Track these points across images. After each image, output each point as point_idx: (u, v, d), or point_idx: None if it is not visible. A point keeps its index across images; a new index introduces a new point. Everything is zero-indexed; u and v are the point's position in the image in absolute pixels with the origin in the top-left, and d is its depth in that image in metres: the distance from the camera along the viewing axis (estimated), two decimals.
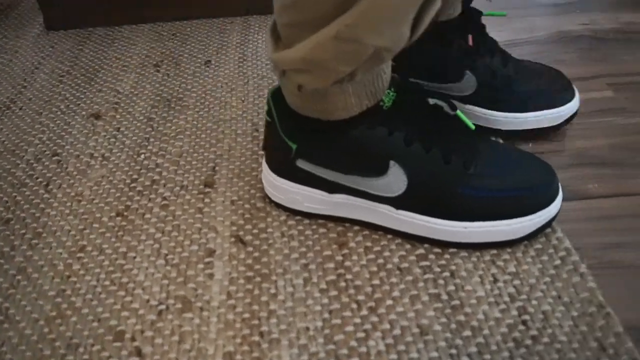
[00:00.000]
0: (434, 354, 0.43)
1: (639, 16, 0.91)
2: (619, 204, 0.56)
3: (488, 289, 0.47)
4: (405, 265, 0.50)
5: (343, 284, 0.49)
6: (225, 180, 0.61)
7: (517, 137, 0.62)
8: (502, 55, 0.61)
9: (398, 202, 0.50)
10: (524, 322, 0.44)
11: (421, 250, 0.51)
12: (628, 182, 0.58)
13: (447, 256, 0.50)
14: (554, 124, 0.62)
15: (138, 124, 0.72)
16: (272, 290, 0.49)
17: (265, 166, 0.56)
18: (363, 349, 0.44)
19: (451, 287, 0.48)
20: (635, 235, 0.52)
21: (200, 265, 0.52)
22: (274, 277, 0.50)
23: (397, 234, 0.52)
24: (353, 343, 0.44)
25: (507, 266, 0.49)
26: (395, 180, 0.49)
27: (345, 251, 0.52)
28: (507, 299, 0.46)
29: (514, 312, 0.45)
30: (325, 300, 0.47)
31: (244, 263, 0.51)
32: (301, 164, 0.51)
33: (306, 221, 0.55)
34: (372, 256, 0.51)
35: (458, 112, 0.51)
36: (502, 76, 0.60)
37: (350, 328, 0.45)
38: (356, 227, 0.54)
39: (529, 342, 0.43)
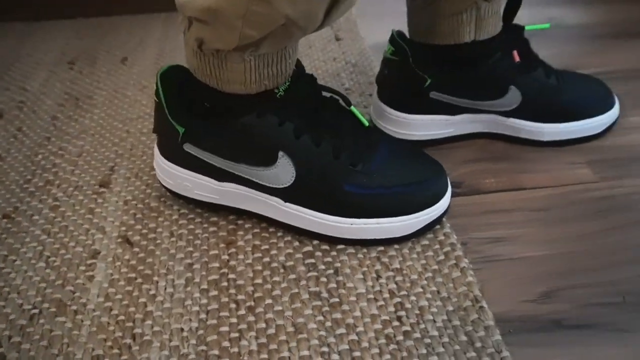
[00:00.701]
0: (305, 353, 0.42)
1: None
2: (512, 198, 0.57)
3: (369, 285, 0.47)
4: (291, 263, 0.49)
5: (225, 283, 0.48)
6: (123, 180, 0.60)
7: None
8: (544, 67, 0.61)
9: (286, 195, 0.49)
10: (399, 318, 0.44)
11: (309, 248, 0.51)
12: (522, 177, 0.59)
13: (334, 253, 0.50)
14: (597, 131, 0.62)
15: (41, 123, 0.70)
16: (152, 291, 0.48)
17: (156, 150, 0.54)
18: (235, 349, 0.43)
19: (333, 285, 0.47)
20: (519, 228, 0.53)
21: (82, 267, 0.50)
22: (156, 278, 0.49)
23: (287, 228, 0.52)
24: (226, 343, 0.43)
25: (392, 262, 0.49)
26: (284, 171, 0.48)
27: (232, 250, 0.51)
28: (386, 295, 0.46)
29: (391, 309, 0.45)
30: (205, 301, 0.47)
31: (127, 264, 0.50)
32: (189, 148, 0.50)
33: (197, 219, 0.54)
34: (258, 254, 0.50)
35: (352, 107, 0.51)
36: (546, 87, 0.59)
37: (225, 328, 0.44)
38: (247, 225, 0.53)
39: (400, 337, 0.43)
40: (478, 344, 0.42)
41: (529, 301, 0.46)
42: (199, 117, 0.49)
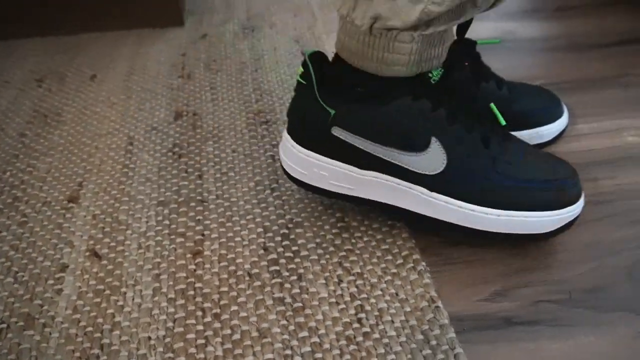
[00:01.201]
0: (269, 356, 0.44)
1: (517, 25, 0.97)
2: None
3: (331, 290, 0.49)
4: (256, 270, 0.51)
5: (192, 292, 0.49)
6: (91, 194, 0.61)
7: None
8: (495, 79, 0.62)
9: (433, 183, 0.48)
10: (359, 320, 0.46)
11: (273, 256, 0.53)
12: None
13: (297, 260, 0.52)
14: (548, 139, 0.65)
15: (9, 141, 0.71)
16: (120, 302, 0.49)
17: (287, 138, 0.51)
18: (201, 355, 0.44)
19: (296, 290, 0.49)
20: None
21: (51, 281, 0.51)
22: (124, 289, 0.50)
23: (426, 220, 0.51)
24: (192, 350, 0.45)
25: (353, 267, 0.51)
26: (435, 158, 0.47)
27: (199, 260, 0.53)
28: (347, 298, 0.48)
29: (352, 311, 0.47)
30: (172, 309, 0.48)
31: (96, 277, 0.51)
32: (337, 132, 0.48)
33: (165, 231, 0.56)
34: (224, 263, 0.52)
35: (492, 105, 0.52)
36: (499, 98, 0.60)
37: (191, 335, 0.46)
38: (214, 235, 0.55)
39: (360, 338, 0.45)
40: (433, 342, 0.44)
41: (482, 300, 0.49)
42: (350, 98, 0.48)
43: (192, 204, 0.59)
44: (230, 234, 0.55)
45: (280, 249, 0.53)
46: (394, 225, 0.56)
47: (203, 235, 0.55)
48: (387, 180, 0.49)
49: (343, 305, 0.48)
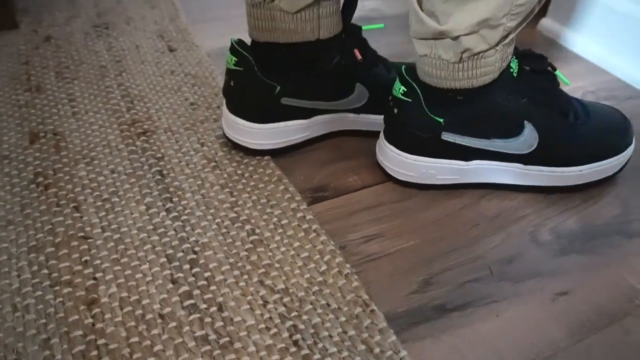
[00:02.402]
0: None
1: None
2: (375, 192, 0.58)
3: (258, 314, 0.45)
4: (168, 309, 0.45)
5: (94, 352, 0.42)
6: None
7: None
8: (384, 63, 0.62)
9: (528, 158, 0.56)
10: (296, 343, 0.43)
11: (185, 288, 0.46)
12: (380, 170, 0.61)
13: (213, 287, 0.47)
14: None
15: None
16: None
17: (389, 148, 0.58)
18: None
19: (219, 323, 0.44)
20: (388, 222, 0.55)
21: None
22: None
23: (522, 189, 0.59)
24: None
25: (276, 284, 0.47)
26: (529, 138, 0.55)
27: (97, 310, 0.45)
28: (278, 321, 0.44)
29: (285, 334, 0.43)
30: None
31: None
32: (447, 136, 0.55)
33: (46, 283, 0.46)
34: (128, 308, 0.45)
35: (557, 71, 0.57)
36: (389, 82, 0.59)
37: None
38: (108, 277, 0.47)
39: None
40: (376, 350, 0.42)
41: (412, 293, 0.48)
42: (454, 105, 0.54)
43: (74, 243, 0.50)
44: (129, 272, 0.48)
45: (191, 279, 0.47)
46: (309, 229, 0.52)
47: (95, 279, 0.47)
48: (488, 165, 0.58)
49: (275, 330, 0.44)
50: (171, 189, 0.56)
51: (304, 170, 0.61)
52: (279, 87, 0.56)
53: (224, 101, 0.61)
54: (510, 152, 0.56)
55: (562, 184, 0.58)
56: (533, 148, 0.56)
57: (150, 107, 0.68)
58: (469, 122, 0.55)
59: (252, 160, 0.61)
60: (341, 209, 0.56)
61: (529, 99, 0.54)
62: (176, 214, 0.53)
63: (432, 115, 0.54)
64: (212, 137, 0.64)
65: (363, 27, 0.59)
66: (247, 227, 0.52)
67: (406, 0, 0.52)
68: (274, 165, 0.60)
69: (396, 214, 0.56)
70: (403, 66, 0.55)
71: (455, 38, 0.49)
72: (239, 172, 0.59)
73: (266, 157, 0.61)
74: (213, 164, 0.60)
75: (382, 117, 0.64)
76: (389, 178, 0.60)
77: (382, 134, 0.59)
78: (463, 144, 0.56)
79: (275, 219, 0.53)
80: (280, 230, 0.52)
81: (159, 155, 0.61)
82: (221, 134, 0.64)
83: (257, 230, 0.52)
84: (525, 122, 0.55)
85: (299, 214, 0.54)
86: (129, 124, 0.65)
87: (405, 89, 0.54)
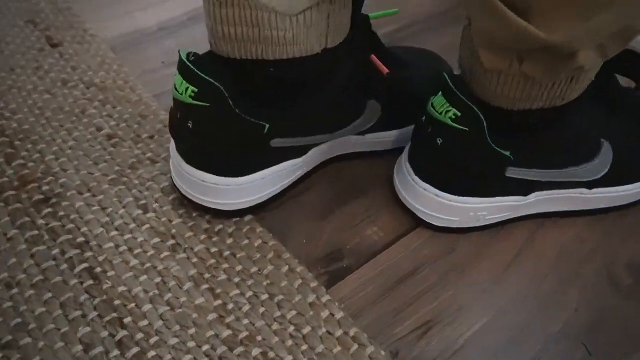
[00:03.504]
0: None
1: None
2: (409, 246, 0.43)
3: None
4: None
5: None
6: None
7: None
8: (395, 61, 0.43)
9: (596, 182, 0.44)
10: None
11: None
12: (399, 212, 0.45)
13: None
14: None
15: None
16: None
17: (425, 187, 0.42)
18: None
19: None
20: (441, 292, 0.40)
21: None
22: None
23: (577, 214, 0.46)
24: None
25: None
26: (604, 160, 0.42)
27: None
28: None
29: None
30: None
31: None
32: (513, 172, 0.41)
33: None
34: None
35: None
36: (413, 87, 0.44)
37: None
38: None
39: None
40: None
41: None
42: (524, 134, 0.40)
43: None
44: None
45: None
46: (345, 338, 0.36)
47: None
48: (548, 195, 0.44)
49: None
50: (117, 305, 0.36)
51: (304, 227, 0.43)
52: (267, 126, 0.36)
53: (173, 145, 0.40)
54: (578, 179, 0.43)
55: (625, 203, 0.46)
56: (606, 170, 0.43)
57: (44, 151, 0.45)
58: (542, 151, 0.40)
59: (227, 226, 0.42)
60: (371, 285, 0.40)
61: (605, 109, 0.41)
62: (137, 351, 0.34)
63: (497, 148, 0.38)
64: (156, 193, 0.43)
65: (371, 16, 0.40)
66: (256, 351, 0.34)
67: None
68: (263, 230, 0.42)
69: (444, 279, 0.41)
70: (447, 77, 0.38)
71: (573, 53, 0.32)
72: (213, 250, 0.40)
73: (247, 217, 0.42)
74: (171, 242, 0.40)
75: (393, 133, 0.47)
76: (420, 223, 0.44)
77: (408, 166, 0.43)
78: (529, 178, 0.41)
79: (291, 329, 0.36)
80: (304, 347, 0.35)
81: (80, 240, 0.39)
82: (169, 184, 0.44)
83: (272, 354, 0.34)
84: (602, 140, 0.41)
85: (324, 313, 0.37)
86: (16, 187, 0.42)
87: (460, 113, 0.37)
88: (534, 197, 0.43)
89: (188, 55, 0.35)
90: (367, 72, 0.39)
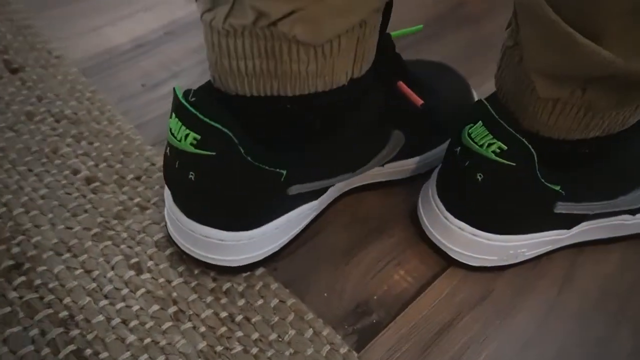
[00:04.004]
0: None
1: None
2: (442, 291, 0.38)
3: None
4: None
5: None
6: None
7: None
8: (416, 83, 0.37)
9: None
10: None
11: None
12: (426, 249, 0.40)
13: None
14: None
15: None
16: None
17: (460, 225, 0.37)
18: None
19: None
20: (486, 343, 0.35)
21: None
22: None
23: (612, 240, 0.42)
24: None
25: None
26: None
27: None
28: None
29: None
30: None
31: None
32: (562, 208, 0.36)
33: None
34: None
35: None
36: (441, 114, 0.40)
37: None
38: None
39: None
40: None
41: None
42: (576, 165, 0.35)
43: None
44: None
45: None
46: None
47: None
48: (590, 225, 0.40)
49: None
50: None
51: (323, 277, 0.37)
52: (284, 173, 0.31)
53: (167, 192, 0.34)
54: (625, 207, 0.39)
55: None
56: None
57: (11, 203, 0.38)
58: (593, 183, 0.36)
59: (237, 283, 0.36)
60: (407, 343, 0.35)
61: None
62: None
63: (547, 184, 0.34)
64: (149, 247, 0.37)
65: (393, 35, 0.35)
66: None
67: None
68: (278, 286, 0.36)
69: (486, 329, 0.36)
70: (488, 104, 0.33)
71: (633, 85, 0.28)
72: (223, 314, 0.34)
73: (258, 271, 0.37)
74: (173, 308, 0.34)
75: (413, 160, 0.42)
76: (451, 262, 0.39)
77: (437, 201, 0.38)
78: (577, 212, 0.37)
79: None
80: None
81: (63, 315, 0.33)
82: (164, 236, 0.38)
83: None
84: None
85: None
86: None
87: (506, 147, 0.32)
88: (577, 229, 0.39)
89: (186, 94, 0.29)
90: (395, 101, 0.34)
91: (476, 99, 0.46)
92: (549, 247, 0.40)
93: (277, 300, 0.35)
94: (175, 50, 0.55)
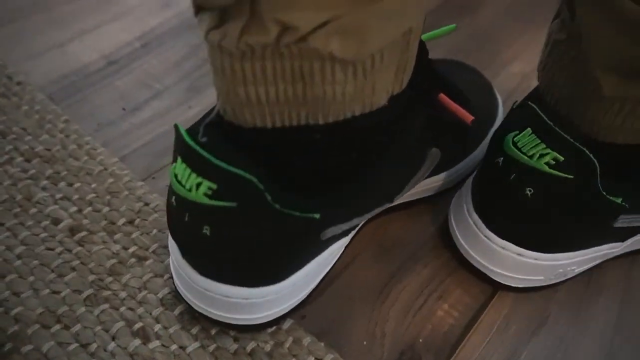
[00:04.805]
0: None
1: None
2: (491, 323, 0.33)
3: None
4: None
5: None
6: None
7: None
8: (450, 90, 0.32)
9: None
10: None
11: None
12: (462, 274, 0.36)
13: None
14: None
15: None
16: None
17: (505, 245, 0.32)
18: None
19: None
20: None
21: None
22: None
23: None
24: None
25: None
26: None
27: None
28: None
29: None
30: None
31: None
32: (624, 221, 0.32)
33: None
34: None
35: None
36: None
37: None
38: None
39: None
40: None
41: None
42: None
43: None
44: None
45: None
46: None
47: None
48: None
49: None
50: None
51: (359, 322, 0.33)
52: (317, 217, 0.26)
53: (173, 244, 0.29)
54: None
55: None
56: None
57: None
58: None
59: (262, 341, 0.31)
60: None
61: None
62: None
63: (609, 197, 0.29)
64: (154, 307, 0.31)
65: (424, 37, 0.30)
66: None
67: None
68: (310, 340, 0.31)
69: None
70: (537, 109, 0.28)
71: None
72: None
73: (286, 324, 0.32)
74: None
75: (440, 176, 0.38)
76: (495, 287, 0.35)
77: (476, 219, 0.33)
78: (637, 225, 0.33)
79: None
80: None
81: None
82: (169, 292, 0.32)
83: None
84: None
85: None
86: None
87: (562, 157, 0.28)
88: (630, 241, 0.35)
89: (192, 132, 0.24)
90: (436, 117, 0.29)
91: (499, 99, 0.42)
92: (599, 261, 0.36)
93: (313, 358, 0.30)
94: (154, 65, 0.49)
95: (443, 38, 0.55)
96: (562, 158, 0.28)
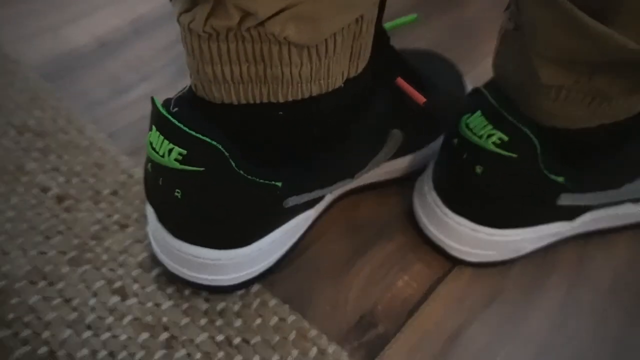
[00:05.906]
0: None
1: None
2: (448, 295, 0.36)
3: None
4: None
5: None
6: None
7: None
8: (412, 74, 0.35)
9: None
10: None
11: None
12: (424, 249, 0.38)
13: None
14: None
15: None
16: None
17: (460, 221, 0.35)
18: None
19: None
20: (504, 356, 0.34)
21: None
22: None
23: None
24: None
25: None
26: None
27: None
28: None
29: None
30: None
31: None
32: (566, 199, 0.34)
33: None
34: None
35: None
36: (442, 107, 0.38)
37: None
38: None
39: None
40: None
41: None
42: (581, 155, 0.33)
43: None
44: None
45: None
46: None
47: None
48: (594, 215, 0.39)
49: None
50: None
51: (324, 289, 0.35)
52: (280, 185, 0.28)
53: (150, 210, 0.31)
54: (630, 197, 0.38)
55: None
56: None
57: None
58: (599, 173, 0.34)
59: (231, 302, 0.33)
60: (418, 353, 0.33)
61: None
62: None
63: (550, 175, 0.32)
64: (133, 269, 0.34)
65: (387, 26, 0.32)
66: None
67: None
68: (276, 302, 0.33)
69: (498, 333, 0.34)
70: (488, 94, 0.31)
71: None
72: (219, 338, 0.31)
73: (254, 287, 0.34)
74: (164, 335, 0.31)
75: (406, 159, 0.40)
76: (454, 262, 0.38)
77: (435, 197, 0.36)
78: (582, 204, 0.35)
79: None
80: None
81: (43, 351, 0.30)
82: (148, 255, 0.35)
83: None
84: None
85: None
86: None
87: (507, 137, 0.31)
88: (580, 220, 0.38)
89: (166, 104, 0.26)
90: (394, 99, 0.31)
91: (468, 87, 0.45)
92: (552, 240, 0.39)
93: (277, 319, 0.33)
94: (143, 49, 0.51)
95: (429, 30, 0.57)
96: (506, 138, 0.31)
